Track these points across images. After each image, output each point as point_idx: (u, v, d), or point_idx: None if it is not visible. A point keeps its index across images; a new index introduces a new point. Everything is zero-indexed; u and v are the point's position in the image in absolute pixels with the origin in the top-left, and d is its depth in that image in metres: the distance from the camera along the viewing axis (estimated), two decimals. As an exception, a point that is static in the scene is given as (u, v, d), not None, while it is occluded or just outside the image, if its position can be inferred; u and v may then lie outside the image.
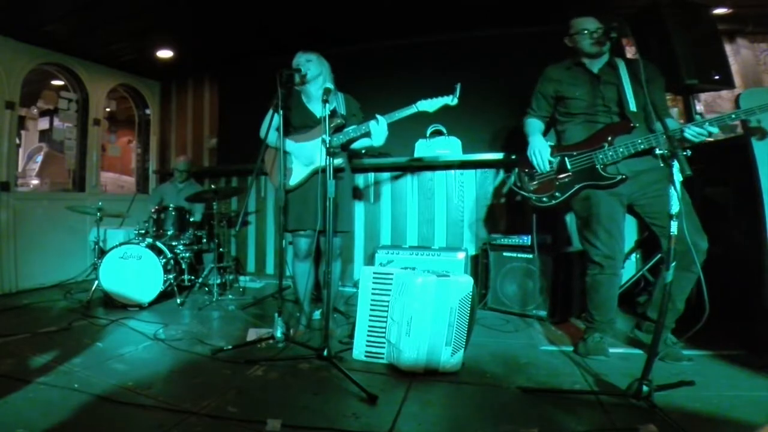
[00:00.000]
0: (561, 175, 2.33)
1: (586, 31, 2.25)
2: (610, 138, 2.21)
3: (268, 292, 3.74)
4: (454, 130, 3.75)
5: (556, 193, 2.33)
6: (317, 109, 2.65)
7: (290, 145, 2.60)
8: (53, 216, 4.07)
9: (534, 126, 2.47)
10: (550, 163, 2.35)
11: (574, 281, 2.93)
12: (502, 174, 3.76)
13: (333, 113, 2.52)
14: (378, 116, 2.46)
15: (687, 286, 2.15)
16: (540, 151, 2.36)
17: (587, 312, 2.38)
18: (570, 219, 3.29)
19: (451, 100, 2.40)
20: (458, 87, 2.38)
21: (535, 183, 2.40)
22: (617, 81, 2.25)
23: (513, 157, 3.42)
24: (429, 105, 2.42)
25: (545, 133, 2.51)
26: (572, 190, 2.29)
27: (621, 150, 2.17)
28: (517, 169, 2.53)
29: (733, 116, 2.05)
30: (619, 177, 2.17)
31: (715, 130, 2.02)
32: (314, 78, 2.63)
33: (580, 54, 2.34)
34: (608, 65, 2.30)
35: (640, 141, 2.12)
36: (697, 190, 2.18)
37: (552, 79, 2.41)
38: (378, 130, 2.46)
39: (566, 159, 2.31)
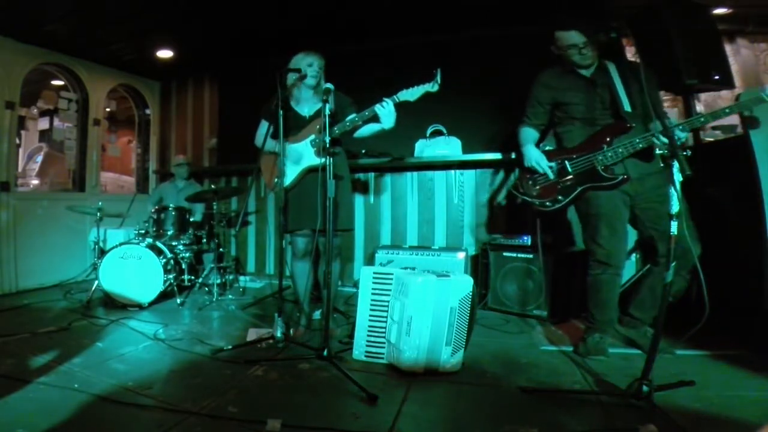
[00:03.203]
0: (562, 179, 2.34)
1: (574, 47, 2.25)
2: (608, 139, 2.23)
3: (268, 292, 3.74)
4: (454, 130, 3.75)
5: (559, 197, 2.35)
6: (304, 110, 2.68)
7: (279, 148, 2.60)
8: (53, 216, 4.07)
9: (527, 135, 2.48)
10: (551, 168, 2.36)
11: (574, 281, 2.94)
12: (501, 174, 3.76)
13: (318, 113, 2.53)
14: (385, 99, 2.43)
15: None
16: (538, 161, 2.38)
17: (588, 312, 2.38)
18: (571, 219, 3.29)
19: (431, 87, 2.35)
20: (438, 72, 2.33)
21: (537, 188, 2.43)
22: (609, 82, 2.26)
23: (513, 156, 3.43)
24: (410, 94, 2.38)
25: (541, 140, 2.52)
26: (575, 193, 2.30)
27: (621, 150, 2.18)
28: (519, 174, 2.54)
29: (702, 119, 2.15)
30: (621, 177, 2.19)
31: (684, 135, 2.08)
32: (312, 84, 2.63)
33: (570, 64, 2.35)
34: (599, 68, 2.31)
35: (638, 140, 2.14)
36: (697, 190, 2.19)
37: (547, 85, 2.41)
38: (385, 112, 2.42)
39: (566, 162, 2.32)
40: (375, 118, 2.46)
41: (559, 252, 3.12)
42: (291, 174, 2.63)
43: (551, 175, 2.36)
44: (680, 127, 2.06)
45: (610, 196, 2.24)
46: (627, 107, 2.20)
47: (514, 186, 2.58)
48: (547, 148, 2.44)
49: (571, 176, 2.31)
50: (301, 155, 2.61)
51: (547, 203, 2.39)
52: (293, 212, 2.64)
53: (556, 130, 2.47)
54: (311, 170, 2.56)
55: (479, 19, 3.63)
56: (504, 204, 3.76)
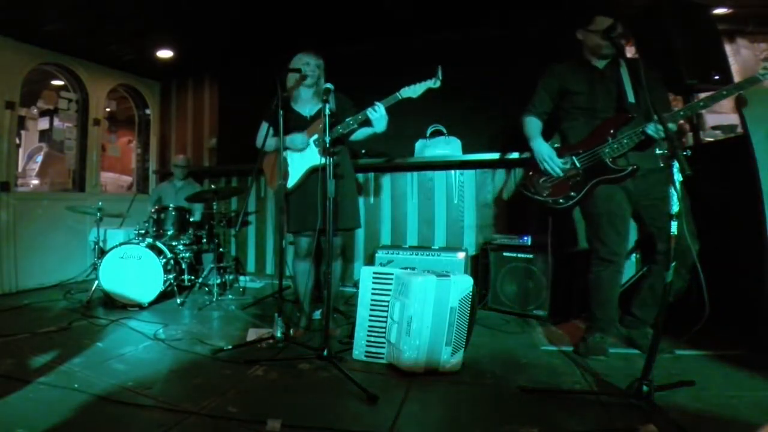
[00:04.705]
0: (573, 175, 2.34)
1: (607, 32, 2.24)
2: (612, 131, 2.23)
3: (268, 292, 3.74)
4: (454, 130, 3.75)
5: (572, 193, 2.34)
6: (305, 110, 2.69)
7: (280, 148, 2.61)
8: (53, 216, 4.08)
9: (534, 127, 2.46)
10: (562, 166, 2.35)
11: (575, 281, 2.93)
12: (501, 174, 3.76)
13: (319, 113, 2.54)
14: (376, 102, 2.46)
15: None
16: (550, 157, 2.36)
17: (589, 310, 2.38)
18: (573, 218, 3.29)
19: (433, 83, 2.39)
20: (439, 69, 2.37)
21: (548, 186, 2.41)
22: (618, 77, 2.28)
23: (514, 156, 3.43)
24: (412, 91, 2.41)
25: (544, 131, 2.51)
26: (587, 188, 2.30)
27: (625, 141, 2.20)
28: (525, 173, 2.53)
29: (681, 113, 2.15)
30: (631, 168, 2.19)
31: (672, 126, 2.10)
32: (311, 83, 2.64)
33: (588, 52, 2.36)
34: (612, 63, 2.34)
35: (641, 130, 2.15)
36: (697, 190, 2.19)
37: (557, 74, 2.42)
38: (377, 116, 2.45)
39: (574, 158, 2.32)
40: (368, 122, 2.49)
41: (559, 252, 3.12)
42: (295, 174, 2.63)
43: (560, 173, 2.35)
44: (681, 113, 2.10)
45: (612, 194, 2.24)
46: (631, 99, 2.22)
47: (523, 185, 2.55)
48: (555, 146, 2.44)
49: (580, 171, 2.31)
50: (305, 155, 2.61)
51: (560, 200, 2.37)
52: (297, 212, 2.64)
53: (561, 127, 2.47)
54: (315, 170, 2.56)
55: (479, 18, 3.62)
56: (504, 204, 3.76)
